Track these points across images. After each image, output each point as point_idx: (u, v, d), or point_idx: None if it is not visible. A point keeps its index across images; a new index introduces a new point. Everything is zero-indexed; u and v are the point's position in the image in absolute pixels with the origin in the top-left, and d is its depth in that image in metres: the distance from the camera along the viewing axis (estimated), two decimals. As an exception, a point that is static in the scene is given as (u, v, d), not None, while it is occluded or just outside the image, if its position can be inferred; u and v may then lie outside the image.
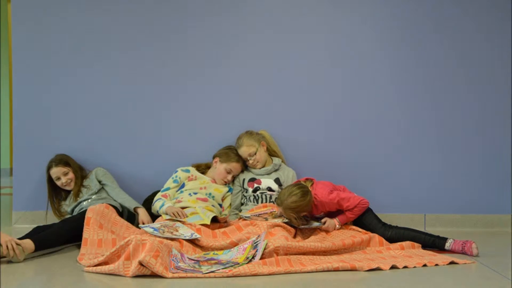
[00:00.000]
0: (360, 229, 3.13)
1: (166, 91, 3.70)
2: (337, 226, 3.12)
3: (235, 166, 3.47)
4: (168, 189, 3.39)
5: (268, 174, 3.48)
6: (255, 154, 3.45)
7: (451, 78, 3.68)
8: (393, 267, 2.59)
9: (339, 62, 3.69)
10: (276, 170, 3.51)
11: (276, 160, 3.53)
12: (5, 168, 7.22)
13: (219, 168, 3.46)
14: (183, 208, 3.20)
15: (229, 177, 3.48)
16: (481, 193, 3.68)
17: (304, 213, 3.08)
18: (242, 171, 3.54)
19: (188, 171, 3.48)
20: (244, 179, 3.50)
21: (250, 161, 3.47)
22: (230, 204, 3.48)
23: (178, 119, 3.71)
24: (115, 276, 2.43)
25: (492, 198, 3.67)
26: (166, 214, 3.14)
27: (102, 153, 3.69)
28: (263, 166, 3.50)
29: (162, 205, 3.22)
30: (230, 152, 3.48)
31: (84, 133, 3.69)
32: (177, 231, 2.81)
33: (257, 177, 3.47)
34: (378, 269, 2.55)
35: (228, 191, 3.48)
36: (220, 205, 3.43)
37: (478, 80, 3.68)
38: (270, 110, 3.69)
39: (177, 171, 3.47)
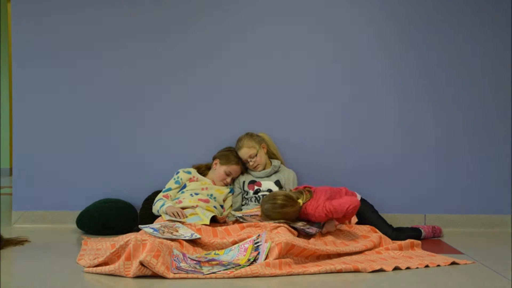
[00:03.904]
0: (365, 227, 3.14)
1: (166, 91, 3.69)
2: (337, 225, 3.12)
3: (235, 168, 3.47)
4: (169, 189, 3.39)
5: (268, 176, 3.47)
6: (256, 156, 3.44)
7: (450, 78, 3.68)
8: (396, 268, 2.59)
9: (339, 64, 3.69)
10: (276, 172, 3.50)
11: (275, 162, 3.51)
12: (4, 168, 7.21)
13: (219, 170, 3.46)
14: (183, 208, 3.20)
15: (229, 179, 3.47)
16: (481, 193, 3.68)
17: (283, 221, 3.00)
18: (242, 173, 3.53)
19: (189, 172, 3.48)
20: (244, 182, 3.49)
21: (250, 163, 3.46)
22: (231, 205, 3.48)
23: (178, 119, 3.70)
24: (116, 277, 2.42)
25: (492, 198, 3.67)
26: (166, 214, 3.13)
27: (102, 153, 3.69)
28: (264, 169, 3.49)
29: (163, 205, 3.21)
30: (230, 154, 3.48)
31: (84, 132, 3.68)
32: (177, 231, 2.81)
33: (257, 179, 3.47)
34: (381, 270, 2.55)
35: (229, 192, 3.48)
36: (222, 206, 3.43)
37: (478, 80, 3.68)
38: (270, 112, 3.69)
39: (178, 172, 3.46)
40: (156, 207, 3.27)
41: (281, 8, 3.69)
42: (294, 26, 3.69)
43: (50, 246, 3.14)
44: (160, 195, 3.36)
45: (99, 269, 2.50)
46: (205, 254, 2.71)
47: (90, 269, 2.52)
